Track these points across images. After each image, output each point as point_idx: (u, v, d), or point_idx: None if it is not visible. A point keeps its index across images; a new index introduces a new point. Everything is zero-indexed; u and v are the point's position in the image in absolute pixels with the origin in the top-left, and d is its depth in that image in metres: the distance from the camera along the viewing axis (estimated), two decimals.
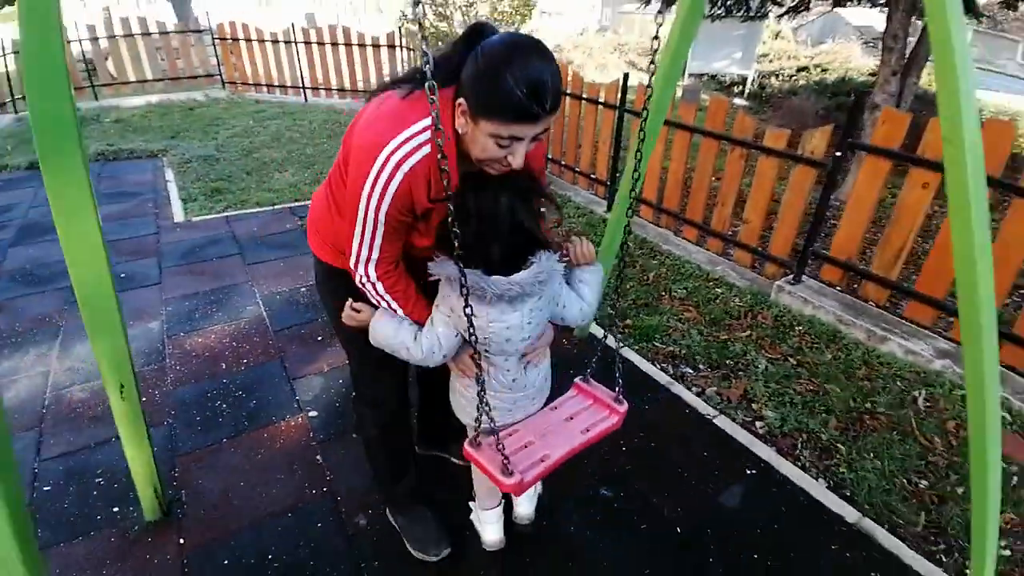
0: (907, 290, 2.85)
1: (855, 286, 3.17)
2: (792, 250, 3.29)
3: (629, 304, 3.15)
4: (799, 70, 11.35)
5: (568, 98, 4.54)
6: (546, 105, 0.99)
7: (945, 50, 1.05)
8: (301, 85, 8.41)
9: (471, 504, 1.74)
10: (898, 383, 2.56)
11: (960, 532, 1.85)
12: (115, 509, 1.85)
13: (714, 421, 2.28)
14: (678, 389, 2.45)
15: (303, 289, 3.25)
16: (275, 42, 8.31)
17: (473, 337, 1.12)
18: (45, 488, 1.91)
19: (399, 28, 7.91)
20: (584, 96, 4.46)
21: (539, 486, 1.77)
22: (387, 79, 1.13)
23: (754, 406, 2.44)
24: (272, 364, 2.59)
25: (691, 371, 2.67)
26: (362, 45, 8.03)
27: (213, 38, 8.40)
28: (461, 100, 1.03)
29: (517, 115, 0.99)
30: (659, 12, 1.39)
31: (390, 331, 1.25)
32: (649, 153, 1.77)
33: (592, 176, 4.64)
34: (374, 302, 1.28)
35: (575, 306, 1.32)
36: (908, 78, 4.94)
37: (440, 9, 7.59)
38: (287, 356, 2.65)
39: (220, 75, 8.61)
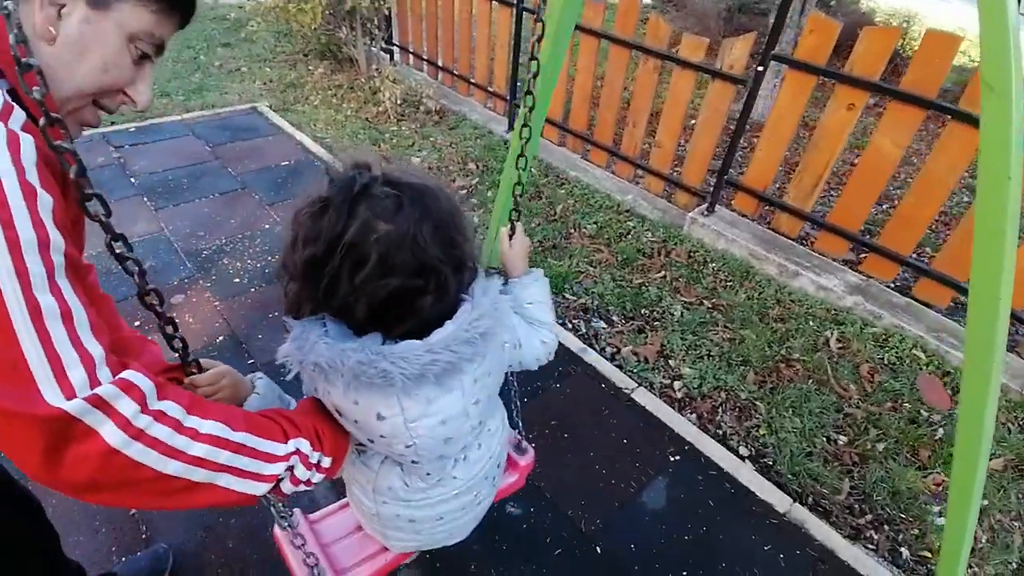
0: (823, 223, 2.68)
1: (768, 218, 2.99)
2: (706, 178, 3.01)
3: (536, 247, 2.77)
4: None
5: None
6: None
7: None
8: None
9: None
10: (811, 323, 2.44)
11: (886, 498, 1.77)
12: None
13: (632, 396, 2.02)
14: (592, 357, 2.15)
15: None
16: None
17: (391, 450, 0.74)
18: None
19: None
20: None
21: None
22: None
23: (671, 363, 2.21)
24: None
25: (604, 325, 2.38)
26: None
27: None
28: None
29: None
30: None
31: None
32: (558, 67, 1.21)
33: (490, 89, 4.02)
34: (146, 446, 0.56)
35: (534, 339, 0.92)
36: None
37: None
38: None
39: None
